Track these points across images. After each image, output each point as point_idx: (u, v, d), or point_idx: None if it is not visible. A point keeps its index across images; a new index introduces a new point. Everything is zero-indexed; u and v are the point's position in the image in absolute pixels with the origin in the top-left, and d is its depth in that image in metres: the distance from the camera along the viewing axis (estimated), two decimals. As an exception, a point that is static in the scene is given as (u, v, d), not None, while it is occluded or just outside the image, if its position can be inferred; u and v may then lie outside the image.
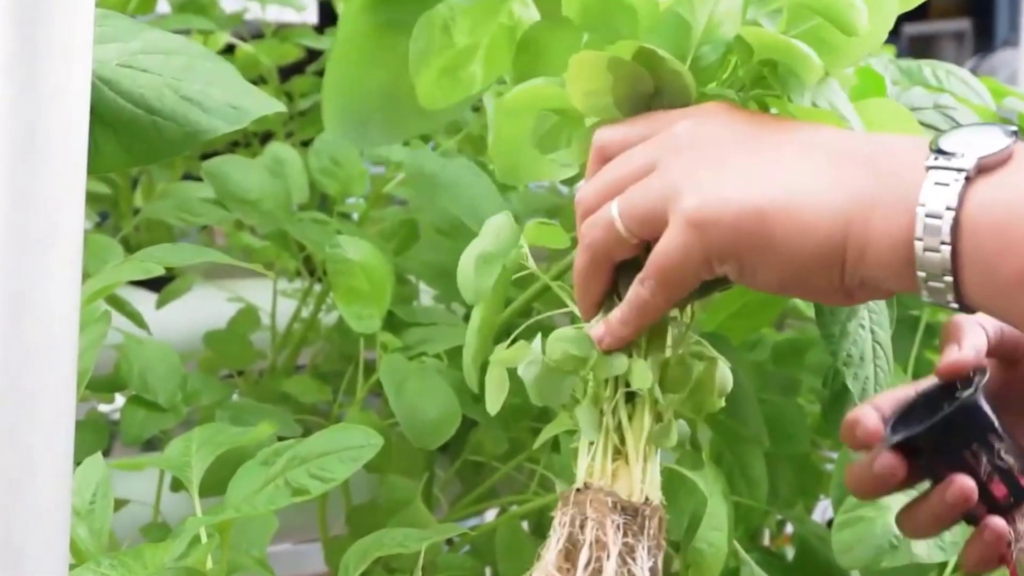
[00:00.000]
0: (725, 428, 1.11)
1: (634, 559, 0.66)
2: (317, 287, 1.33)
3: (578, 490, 0.68)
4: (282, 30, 1.63)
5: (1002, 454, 0.73)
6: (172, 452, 0.87)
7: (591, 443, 0.71)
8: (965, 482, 0.71)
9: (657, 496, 0.70)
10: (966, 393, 0.72)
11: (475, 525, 1.26)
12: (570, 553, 0.67)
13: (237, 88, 0.72)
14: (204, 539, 0.79)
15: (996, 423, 0.72)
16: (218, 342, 1.30)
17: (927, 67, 1.12)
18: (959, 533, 0.94)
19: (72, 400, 0.69)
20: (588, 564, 0.65)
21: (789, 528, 1.35)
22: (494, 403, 0.78)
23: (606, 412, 0.71)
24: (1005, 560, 0.74)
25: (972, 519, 0.74)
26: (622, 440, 0.71)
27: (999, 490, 0.72)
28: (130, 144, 0.69)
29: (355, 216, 1.35)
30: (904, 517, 0.75)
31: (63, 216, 0.66)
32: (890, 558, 0.91)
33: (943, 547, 0.93)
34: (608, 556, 0.66)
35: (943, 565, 1.00)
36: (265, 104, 0.72)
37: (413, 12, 0.87)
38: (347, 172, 1.27)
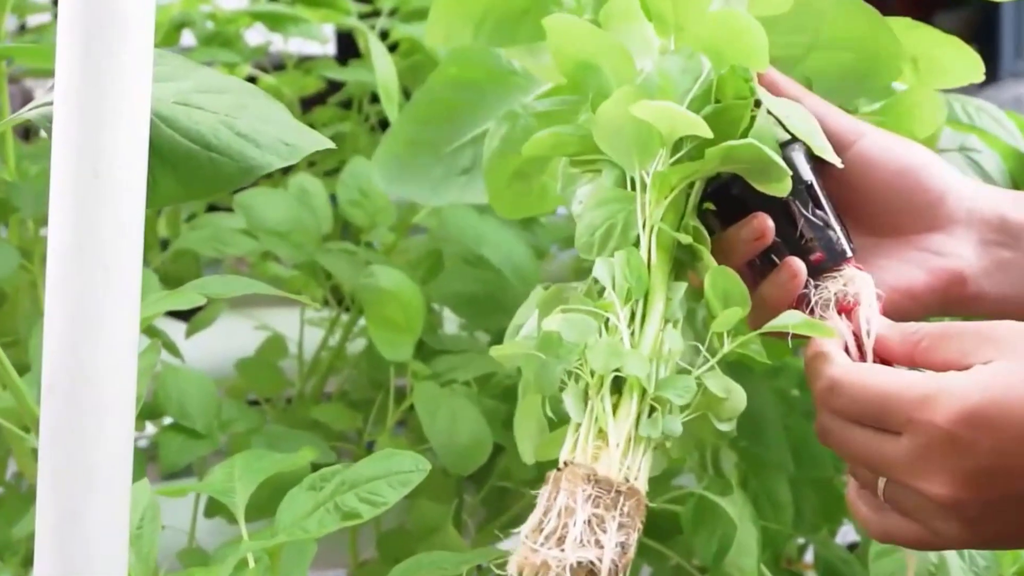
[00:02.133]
0: (750, 454, 1.13)
1: (603, 530, 0.66)
2: (344, 316, 1.35)
3: (558, 468, 0.69)
4: (304, 62, 1.65)
5: (816, 212, 0.76)
6: (215, 478, 0.89)
7: (577, 425, 0.71)
8: (763, 218, 0.75)
9: (641, 483, 0.69)
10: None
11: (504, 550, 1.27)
12: (543, 525, 0.67)
13: (287, 124, 0.74)
14: (251, 563, 0.81)
15: (814, 183, 0.76)
16: (248, 370, 1.32)
17: (957, 102, 1.13)
18: (990, 557, 0.96)
19: (131, 426, 0.71)
20: (555, 531, 0.66)
21: (808, 555, 1.37)
22: (527, 452, 0.79)
23: (592, 396, 0.71)
24: (797, 304, 0.76)
25: None
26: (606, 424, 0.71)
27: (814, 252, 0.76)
28: (187, 179, 0.71)
29: (378, 245, 1.37)
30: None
31: (124, 248, 0.68)
32: (930, 584, 0.93)
33: (977, 572, 0.94)
34: (575, 523, 0.65)
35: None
36: (315, 141, 0.74)
37: (485, 104, 0.90)
38: (374, 203, 1.30)
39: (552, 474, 0.69)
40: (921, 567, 0.93)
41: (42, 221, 1.15)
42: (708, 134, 0.73)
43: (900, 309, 0.77)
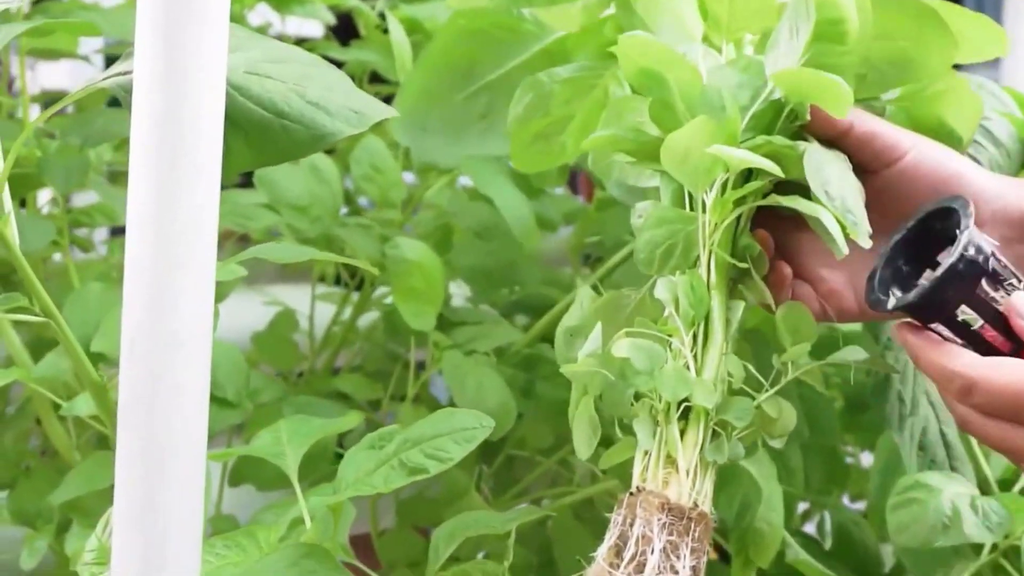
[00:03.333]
0: (763, 420, 1.17)
1: (677, 556, 0.71)
2: (354, 292, 1.38)
3: (631, 493, 0.74)
4: (304, 43, 1.67)
5: (998, 299, 0.73)
6: (263, 442, 0.91)
7: (646, 452, 0.75)
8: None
9: (707, 506, 0.74)
10: (953, 254, 0.71)
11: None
12: (620, 550, 0.72)
13: (353, 93, 0.77)
14: (307, 522, 0.84)
15: (991, 262, 0.72)
16: (264, 343, 1.34)
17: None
18: (1004, 513, 1.00)
19: (207, 386, 0.73)
20: (633, 558, 0.71)
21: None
22: (584, 447, 0.81)
23: (661, 423, 0.75)
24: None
25: None
26: (675, 450, 0.75)
27: (997, 340, 0.73)
28: (261, 146, 0.73)
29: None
30: None
31: (203, 215, 0.70)
32: (943, 537, 0.96)
33: (990, 527, 0.98)
34: (652, 551, 0.71)
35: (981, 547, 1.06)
36: (382, 110, 0.76)
37: (497, 52, 0.93)
38: (387, 179, 1.32)
39: (625, 498, 0.73)
40: (935, 517, 0.97)
41: (68, 196, 1.16)
42: (780, 175, 0.75)
43: None
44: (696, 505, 0.73)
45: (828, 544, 1.26)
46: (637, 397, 0.76)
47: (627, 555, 0.71)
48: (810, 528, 1.33)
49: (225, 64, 0.70)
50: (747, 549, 1.02)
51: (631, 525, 0.72)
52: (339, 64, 1.64)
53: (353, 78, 1.59)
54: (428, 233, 1.36)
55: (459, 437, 0.77)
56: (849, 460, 1.39)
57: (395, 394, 1.27)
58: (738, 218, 0.78)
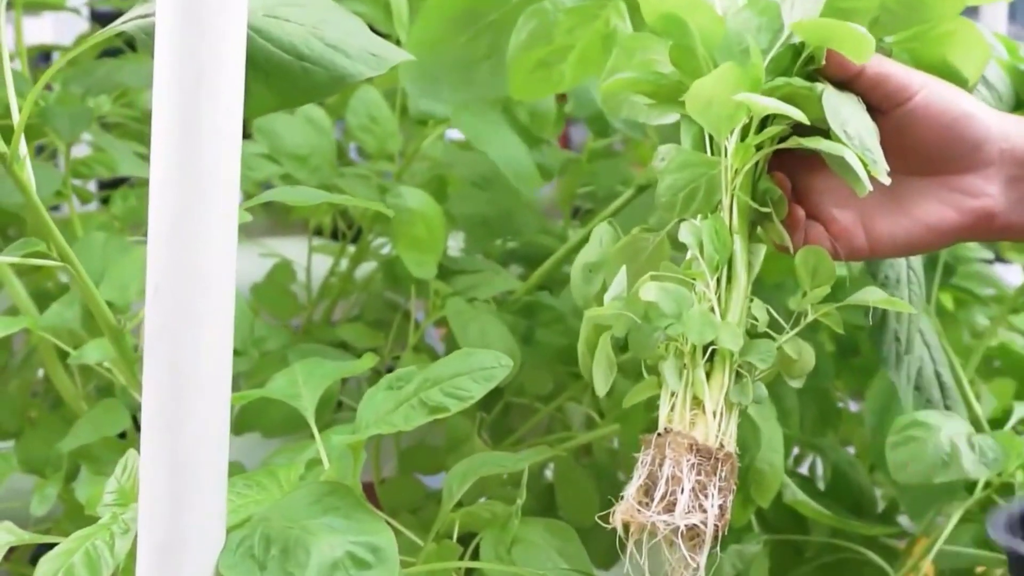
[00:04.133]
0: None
1: (705, 495, 0.73)
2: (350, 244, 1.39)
3: (659, 434, 0.75)
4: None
5: None
6: (279, 384, 0.92)
7: (672, 393, 0.77)
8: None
9: (732, 447, 0.76)
10: None
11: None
12: (649, 489, 0.74)
13: (370, 37, 0.78)
14: (325, 462, 0.85)
15: None
16: (262, 293, 1.35)
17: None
18: (998, 450, 1.02)
19: (231, 324, 0.75)
20: (664, 497, 0.73)
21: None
22: (601, 384, 0.82)
23: (688, 366, 0.77)
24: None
25: None
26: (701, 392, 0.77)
27: None
28: (281, 88, 0.74)
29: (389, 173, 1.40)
30: None
31: (224, 154, 0.71)
32: (943, 473, 0.98)
33: (986, 464, 1.00)
34: (682, 491, 0.73)
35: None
36: (399, 53, 0.77)
37: None
38: (383, 129, 1.33)
39: (653, 439, 0.75)
40: (935, 454, 0.99)
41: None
42: (805, 120, 0.76)
43: (924, 243, 0.83)
44: (722, 445, 0.75)
45: (823, 486, 1.28)
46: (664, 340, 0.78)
47: (657, 494, 0.73)
48: (803, 471, 1.36)
49: (246, 5, 0.71)
50: (747, 488, 1.04)
51: (660, 465, 0.74)
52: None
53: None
54: (423, 184, 1.37)
55: (478, 376, 0.78)
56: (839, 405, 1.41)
57: (395, 343, 1.28)
58: (757, 162, 0.80)
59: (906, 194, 0.83)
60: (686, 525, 0.72)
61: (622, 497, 0.74)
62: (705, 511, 0.72)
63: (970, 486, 1.09)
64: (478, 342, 1.11)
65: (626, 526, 0.73)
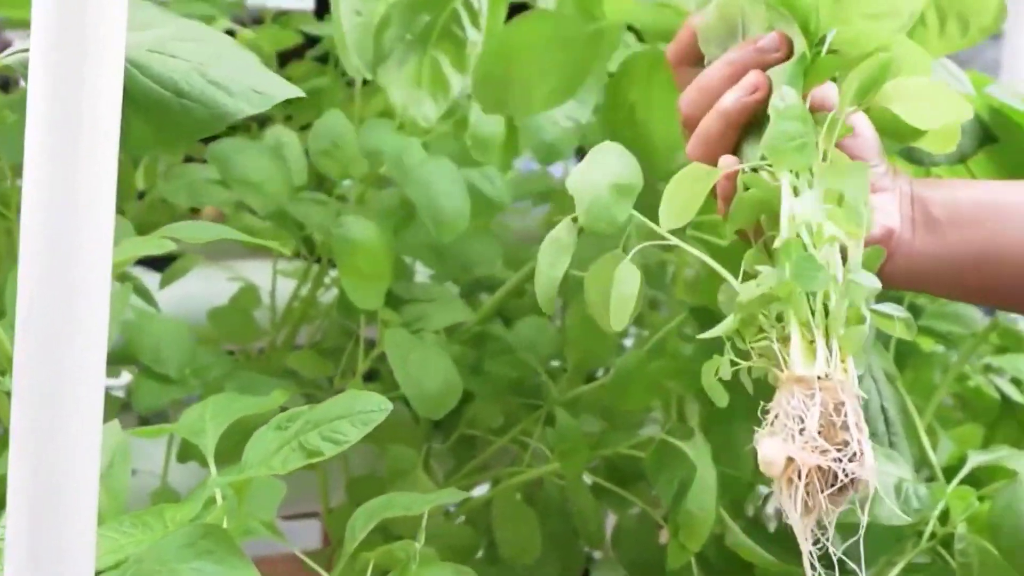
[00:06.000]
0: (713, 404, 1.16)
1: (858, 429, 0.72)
2: (315, 267, 1.37)
3: (819, 378, 0.72)
4: (281, 16, 1.66)
5: None
6: (187, 420, 0.91)
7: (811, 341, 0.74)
8: None
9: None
10: None
11: (469, 496, 1.31)
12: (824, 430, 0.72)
13: (260, 74, 0.76)
14: (219, 501, 0.84)
15: None
16: (222, 318, 1.34)
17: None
18: (928, 499, 0.99)
19: (103, 366, 0.73)
20: (848, 443, 0.71)
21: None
22: (619, 319, 0.79)
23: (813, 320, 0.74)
24: None
25: None
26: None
27: None
28: (160, 125, 0.73)
29: (351, 198, 1.39)
30: None
31: (99, 192, 0.70)
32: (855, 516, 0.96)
33: (907, 512, 0.98)
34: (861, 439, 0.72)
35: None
36: (286, 90, 0.76)
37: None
38: (346, 154, 1.31)
39: (813, 381, 0.72)
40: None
41: (19, 170, 1.16)
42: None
43: None
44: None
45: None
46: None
47: (852, 435, 0.72)
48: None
49: (123, 41, 0.70)
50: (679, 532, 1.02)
51: (836, 411, 0.72)
52: (317, 39, 1.65)
53: (330, 52, 1.61)
54: (391, 209, 1.36)
55: (356, 420, 0.77)
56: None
57: (348, 371, 1.27)
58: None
59: None
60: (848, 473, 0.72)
61: (792, 432, 0.72)
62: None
63: (919, 534, 1.06)
64: (417, 374, 1.10)
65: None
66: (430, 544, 1.14)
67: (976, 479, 1.09)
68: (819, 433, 0.71)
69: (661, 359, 1.12)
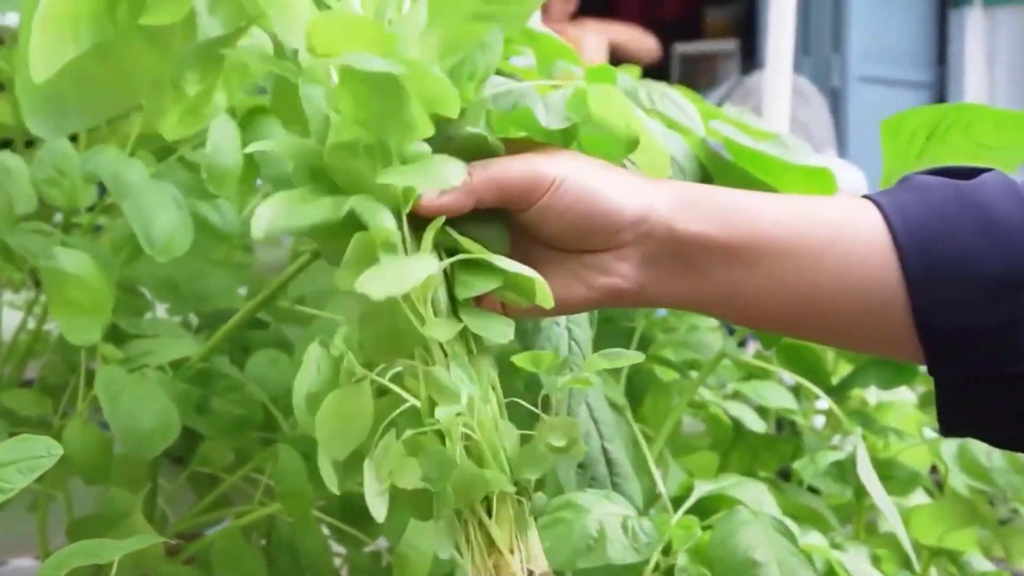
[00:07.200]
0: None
1: None
2: (43, 299, 1.31)
3: None
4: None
5: None
6: None
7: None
8: None
9: (542, 564, 0.76)
10: None
11: (194, 537, 1.26)
12: None
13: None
14: None
15: None
16: (-65, 354, 1.28)
17: (643, 88, 1.17)
18: (655, 533, 0.99)
19: None
20: None
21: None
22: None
23: (468, 517, 0.75)
24: None
25: None
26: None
27: None
28: None
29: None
30: None
31: None
32: (586, 559, 0.95)
33: (638, 548, 0.97)
34: None
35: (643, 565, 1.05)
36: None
37: None
38: (72, 182, 1.26)
39: None
40: (580, 538, 0.96)
41: None
42: None
43: (553, 312, 0.83)
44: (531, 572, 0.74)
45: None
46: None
47: None
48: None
49: None
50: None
51: None
52: None
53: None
54: (124, 240, 1.31)
55: (24, 466, 0.73)
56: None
57: (71, 409, 1.22)
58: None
59: (540, 267, 0.82)
60: None
61: None
62: None
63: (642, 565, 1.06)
64: (129, 413, 1.05)
65: None
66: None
67: (704, 508, 1.10)
68: None
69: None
